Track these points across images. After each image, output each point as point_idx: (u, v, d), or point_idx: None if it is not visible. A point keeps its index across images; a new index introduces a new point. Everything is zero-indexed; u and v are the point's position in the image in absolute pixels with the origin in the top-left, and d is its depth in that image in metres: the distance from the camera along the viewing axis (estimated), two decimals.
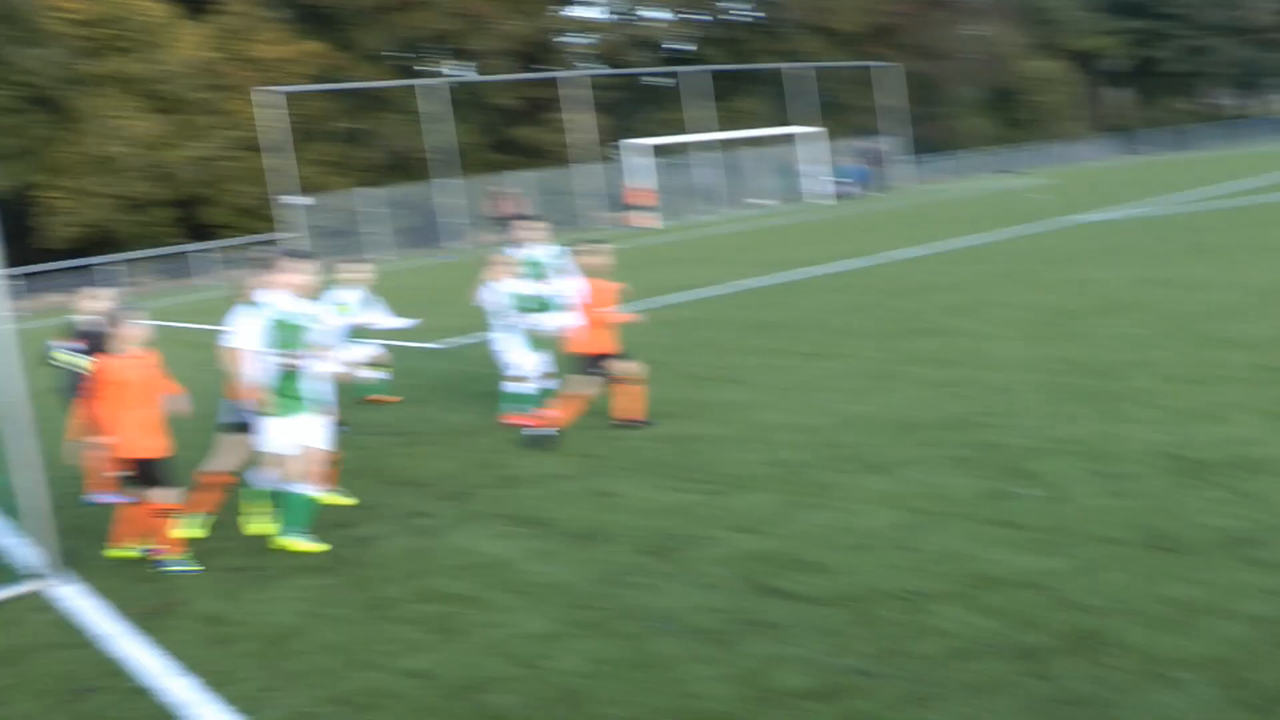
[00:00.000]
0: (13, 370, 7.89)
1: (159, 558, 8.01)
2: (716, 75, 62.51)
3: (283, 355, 7.91)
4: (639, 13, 63.49)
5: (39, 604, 7.67)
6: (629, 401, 10.79)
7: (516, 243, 11.72)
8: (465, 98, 55.71)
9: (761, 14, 66.94)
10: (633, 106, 68.64)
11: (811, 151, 59.01)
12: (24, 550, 8.48)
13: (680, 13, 64.47)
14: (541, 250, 11.61)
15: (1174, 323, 13.06)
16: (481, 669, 5.79)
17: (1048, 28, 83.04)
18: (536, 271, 11.55)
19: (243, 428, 8.62)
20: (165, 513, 7.96)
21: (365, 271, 12.81)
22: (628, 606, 6.37)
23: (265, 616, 6.88)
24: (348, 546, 8.02)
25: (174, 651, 6.51)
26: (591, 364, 10.51)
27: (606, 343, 10.56)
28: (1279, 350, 11.03)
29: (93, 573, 8.09)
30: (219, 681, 6.01)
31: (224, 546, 8.39)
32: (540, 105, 58.84)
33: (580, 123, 55.31)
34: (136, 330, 7.95)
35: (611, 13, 66.71)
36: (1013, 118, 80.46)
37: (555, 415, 10.52)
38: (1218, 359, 10.94)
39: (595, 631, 6.08)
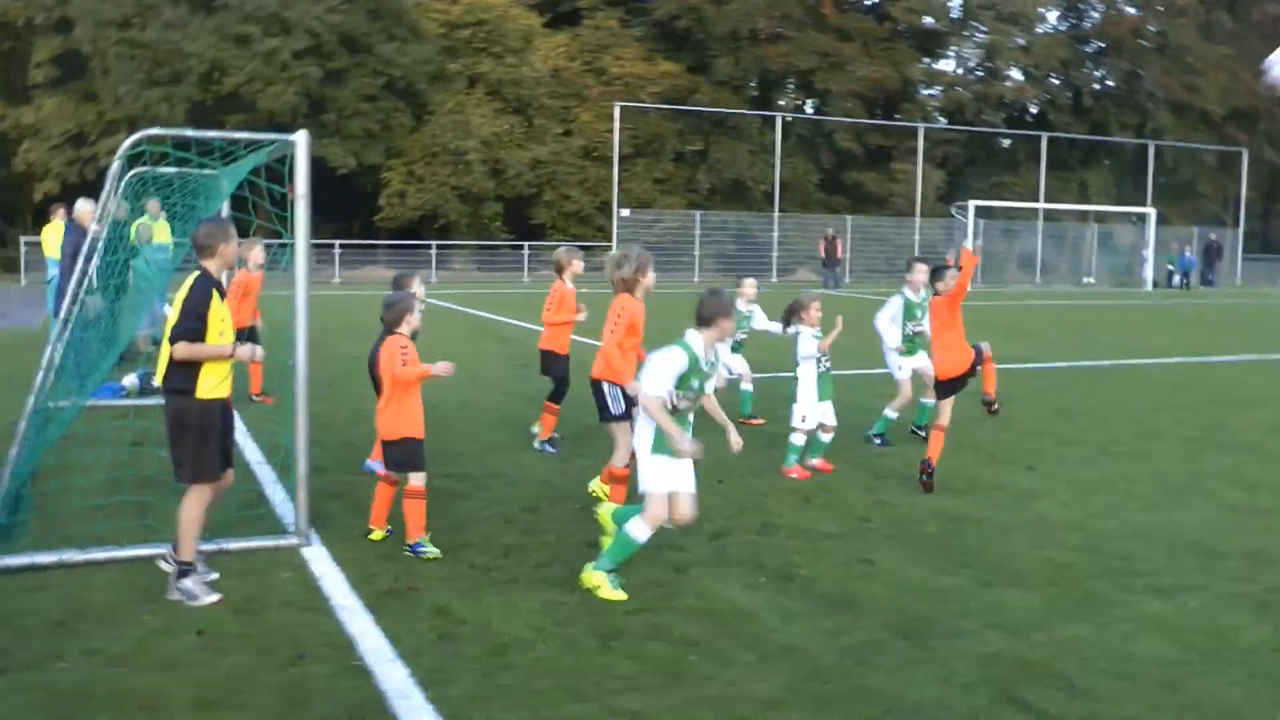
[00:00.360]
0: (302, 333, 8.14)
1: (411, 541, 8.10)
2: (1063, 142, 60.76)
3: (683, 395, 7.32)
4: (991, 70, 62.12)
5: (288, 560, 7.89)
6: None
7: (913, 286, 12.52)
8: (804, 134, 55.79)
9: (1115, 84, 64.46)
10: (971, 166, 67.44)
11: (1141, 234, 56.67)
12: (287, 507, 8.80)
13: (1034, 75, 62.78)
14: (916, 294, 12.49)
15: None
16: None
17: None
18: (910, 313, 12.52)
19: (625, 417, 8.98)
20: (417, 495, 8.09)
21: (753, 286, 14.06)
22: (863, 687, 6.03)
23: (496, 622, 6.85)
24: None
25: (398, 637, 6.55)
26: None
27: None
28: None
29: (344, 541, 8.29)
30: (433, 679, 6.00)
31: (472, 541, 8.44)
32: (881, 153, 58.39)
33: (919, 175, 54.63)
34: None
35: (963, 68, 65.60)
36: None
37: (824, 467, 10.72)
38: None
39: (823, 708, 5.77)
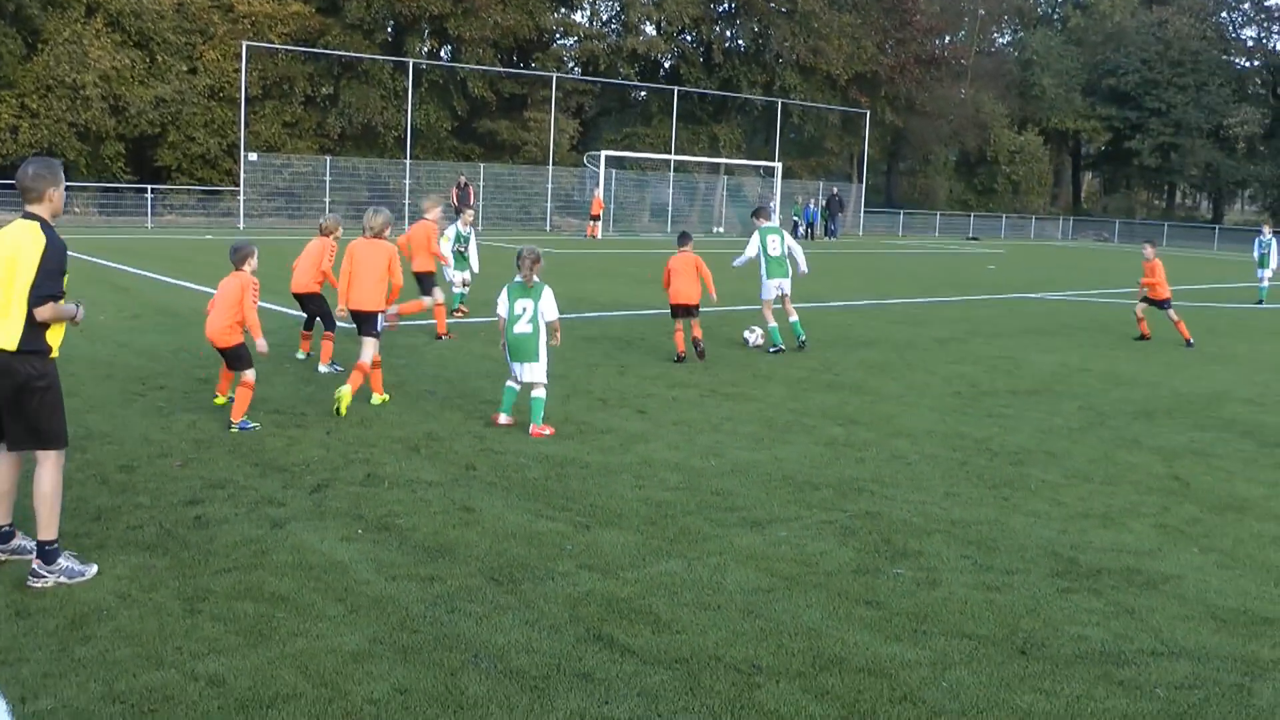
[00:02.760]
0: None
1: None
2: (694, 97, 62.51)
3: None
4: (625, 24, 63.14)
5: None
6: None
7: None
8: (437, 81, 55.29)
9: (747, 43, 66.77)
10: (605, 116, 68.48)
11: (770, 187, 59.18)
12: None
13: (667, 31, 64.24)
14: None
15: (1090, 416, 12.88)
16: (277, 682, 5.39)
17: (1032, 103, 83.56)
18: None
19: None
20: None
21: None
22: (451, 634, 6.00)
23: (77, 591, 6.45)
24: (186, 527, 7.60)
25: None
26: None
27: None
28: (1191, 461, 10.83)
29: None
30: (6, 660, 5.58)
31: (65, 508, 7.93)
32: (515, 101, 58.48)
33: (552, 124, 55.03)
34: None
35: (597, 21, 66.44)
36: (984, 185, 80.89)
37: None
38: (1127, 461, 10.73)
39: (410, 657, 5.71)
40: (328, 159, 49.88)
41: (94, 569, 6.78)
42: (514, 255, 11.15)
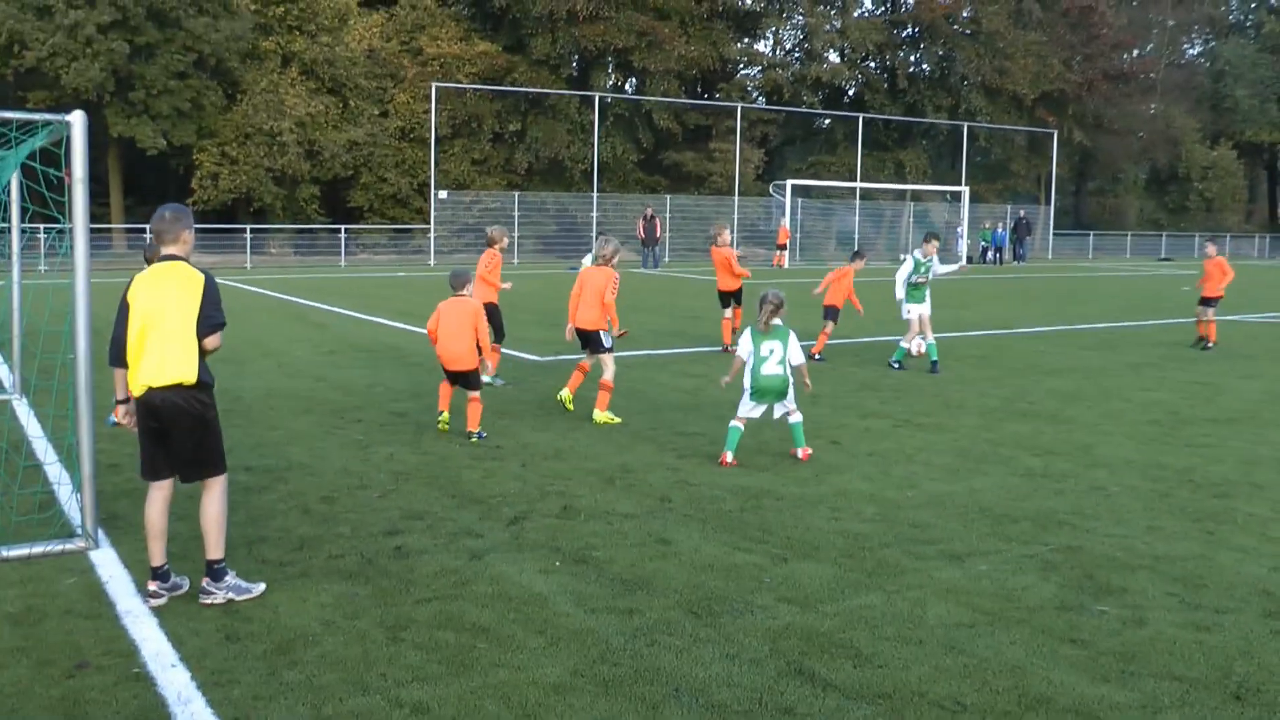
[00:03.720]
0: (83, 325, 7.76)
1: None
2: (879, 123, 62.06)
3: None
4: (808, 52, 63.05)
5: (74, 565, 7.57)
6: None
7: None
8: (623, 114, 55.90)
9: (931, 67, 66.10)
10: (789, 145, 68.41)
11: (956, 212, 58.29)
12: (72, 508, 8.43)
13: (850, 57, 63.98)
14: None
15: None
16: (480, 712, 5.48)
17: (1225, 115, 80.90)
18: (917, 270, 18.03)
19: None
20: None
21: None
22: (651, 667, 6.02)
23: (284, 618, 6.66)
24: (386, 557, 7.79)
25: (182, 640, 6.33)
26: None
27: None
28: None
29: (135, 542, 7.96)
30: (216, 680, 5.80)
31: (267, 536, 8.22)
32: (699, 132, 58.80)
33: (738, 154, 55.18)
34: None
35: (780, 49, 66.50)
36: (1176, 204, 78.56)
37: None
38: None
39: (611, 690, 5.74)
40: (516, 194, 50.83)
41: (261, 587, 7.06)
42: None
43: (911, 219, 60.67)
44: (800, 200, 54.81)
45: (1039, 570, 7.75)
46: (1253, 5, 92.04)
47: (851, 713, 5.54)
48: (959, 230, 56.98)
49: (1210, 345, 21.13)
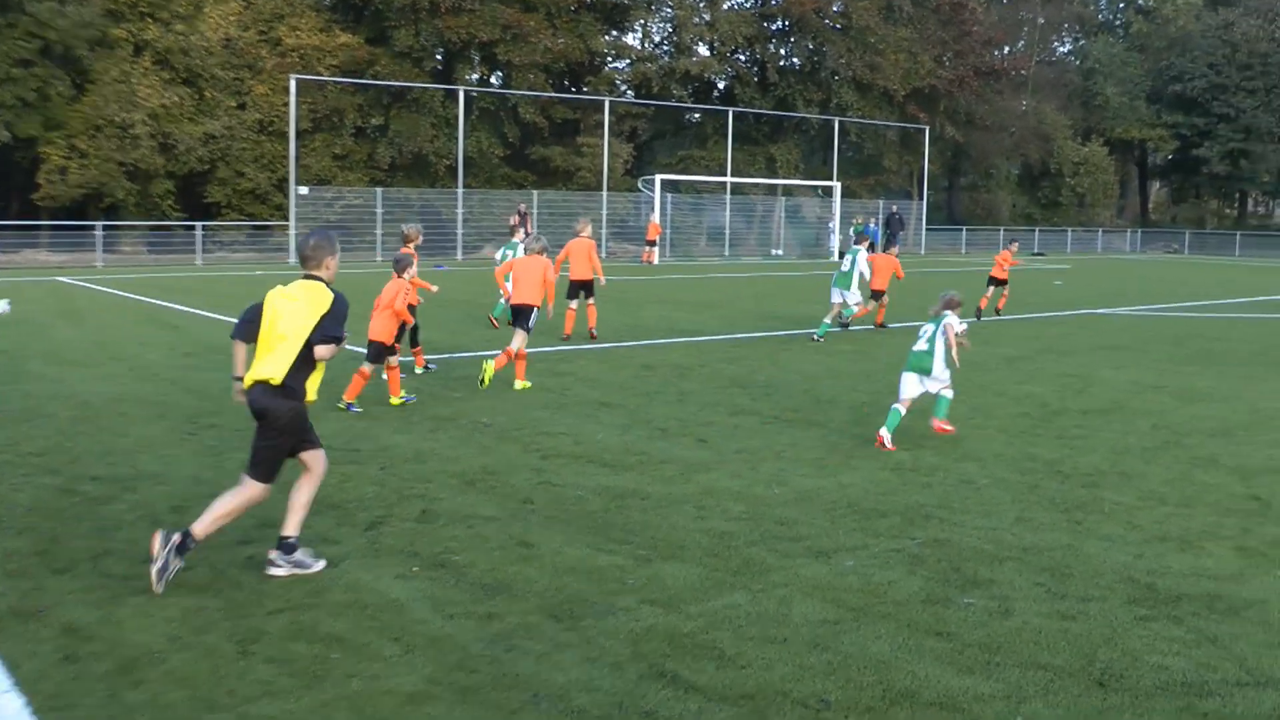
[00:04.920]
0: None
1: None
2: (750, 118, 62.55)
3: None
4: (677, 45, 63.23)
5: None
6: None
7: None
8: (488, 108, 55.56)
9: (801, 61, 66.72)
10: (659, 140, 68.61)
11: (828, 208, 59.05)
12: None
13: (720, 51, 64.25)
14: None
15: (1164, 435, 12.70)
16: None
17: (1095, 113, 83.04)
18: None
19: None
20: None
21: None
22: (512, 674, 5.97)
23: (129, 635, 6.47)
24: (238, 568, 7.62)
25: (18, 663, 6.09)
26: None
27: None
28: (1272, 479, 10.65)
29: None
30: (53, 705, 5.60)
31: (113, 549, 7.99)
32: (567, 126, 58.68)
33: (606, 149, 55.19)
34: None
35: (649, 43, 66.62)
36: (1048, 199, 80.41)
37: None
38: (1204, 481, 10.57)
39: (469, 698, 5.68)
40: (379, 190, 50.23)
41: (323, 563, 7.69)
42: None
43: (783, 214, 61.25)
44: (670, 195, 55.00)
45: (906, 564, 7.86)
46: (1120, 5, 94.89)
47: (714, 715, 5.54)
48: (830, 225, 57.69)
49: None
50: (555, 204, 53.57)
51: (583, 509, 9.16)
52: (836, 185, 58.50)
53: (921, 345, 12.24)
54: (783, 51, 67.58)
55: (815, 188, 62.33)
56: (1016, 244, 28.66)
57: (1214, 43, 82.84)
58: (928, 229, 67.74)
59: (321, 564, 7.64)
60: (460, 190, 51.13)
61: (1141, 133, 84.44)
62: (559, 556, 7.91)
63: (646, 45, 66.39)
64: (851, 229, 57.05)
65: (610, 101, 56.47)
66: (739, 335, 21.53)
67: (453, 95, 52.56)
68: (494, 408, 13.55)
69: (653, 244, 49.88)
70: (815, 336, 20.94)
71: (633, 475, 10.32)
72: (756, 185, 60.84)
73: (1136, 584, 7.57)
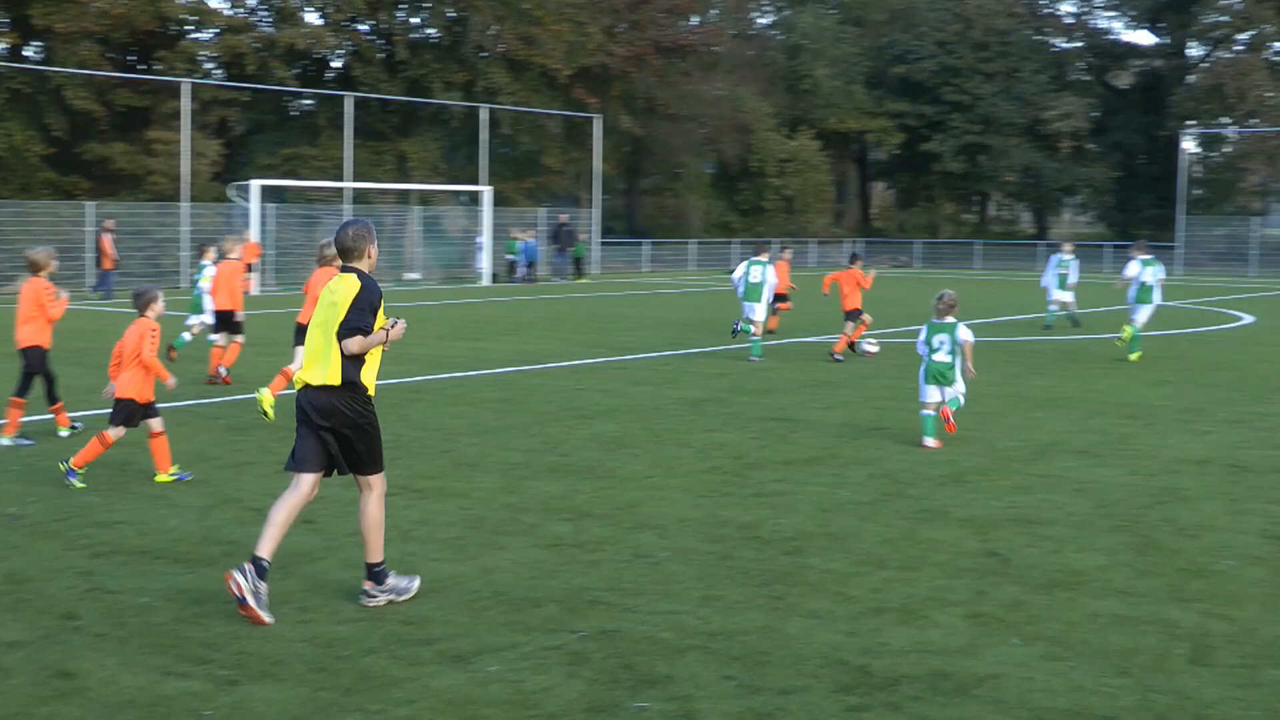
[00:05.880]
0: None
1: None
2: (375, 105, 62.33)
3: None
4: (279, 11, 62.14)
5: None
6: None
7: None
8: (22, 90, 53.37)
9: (439, 33, 66.72)
10: (257, 134, 67.59)
11: (476, 218, 59.35)
12: None
13: (334, 19, 63.49)
14: None
15: (884, 485, 13.29)
16: None
17: (804, 99, 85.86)
18: None
19: None
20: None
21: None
22: None
23: None
24: None
25: None
26: None
27: None
28: (1012, 531, 11.25)
29: None
30: None
31: None
32: (135, 117, 57.06)
33: (186, 147, 54.04)
34: None
35: (241, 8, 65.23)
36: (750, 204, 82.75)
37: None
38: (931, 538, 11.13)
39: None
40: None
41: (418, 582, 9.36)
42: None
43: (420, 227, 61.19)
44: (274, 206, 54.12)
45: (566, 664, 7.95)
46: None
47: None
48: (478, 241, 57.89)
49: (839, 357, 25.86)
50: (122, 219, 51.71)
51: (146, 621, 8.91)
52: (487, 190, 58.85)
53: (943, 356, 15.42)
54: (415, 21, 67.67)
55: (459, 194, 62.64)
56: (860, 260, 28.82)
57: (944, 16, 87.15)
58: (603, 243, 68.77)
59: (417, 582, 9.42)
60: None
61: (860, 123, 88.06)
62: (110, 687, 7.64)
63: (238, 10, 65.05)
64: (505, 244, 57.36)
65: (191, 84, 55.25)
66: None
67: None
68: (26, 493, 13.04)
69: (250, 269, 49.04)
70: (751, 358, 25.09)
71: (215, 573, 10.08)
72: (385, 191, 60.68)
73: (847, 667, 7.86)
